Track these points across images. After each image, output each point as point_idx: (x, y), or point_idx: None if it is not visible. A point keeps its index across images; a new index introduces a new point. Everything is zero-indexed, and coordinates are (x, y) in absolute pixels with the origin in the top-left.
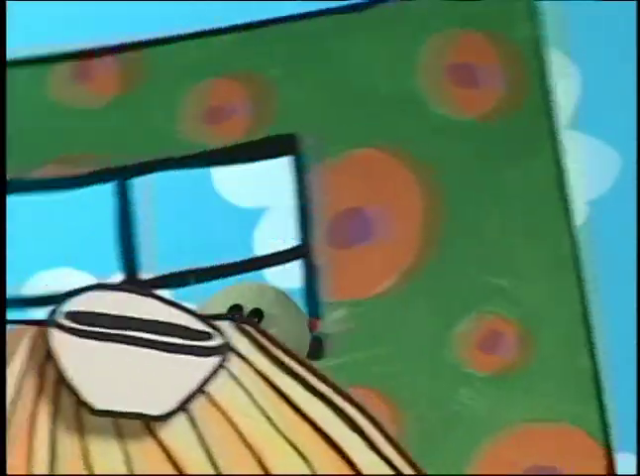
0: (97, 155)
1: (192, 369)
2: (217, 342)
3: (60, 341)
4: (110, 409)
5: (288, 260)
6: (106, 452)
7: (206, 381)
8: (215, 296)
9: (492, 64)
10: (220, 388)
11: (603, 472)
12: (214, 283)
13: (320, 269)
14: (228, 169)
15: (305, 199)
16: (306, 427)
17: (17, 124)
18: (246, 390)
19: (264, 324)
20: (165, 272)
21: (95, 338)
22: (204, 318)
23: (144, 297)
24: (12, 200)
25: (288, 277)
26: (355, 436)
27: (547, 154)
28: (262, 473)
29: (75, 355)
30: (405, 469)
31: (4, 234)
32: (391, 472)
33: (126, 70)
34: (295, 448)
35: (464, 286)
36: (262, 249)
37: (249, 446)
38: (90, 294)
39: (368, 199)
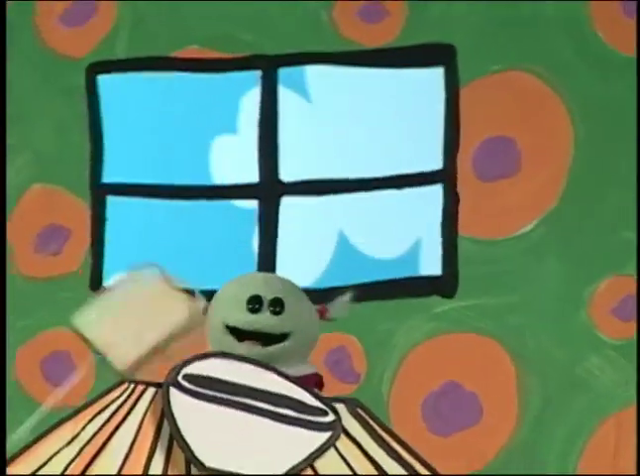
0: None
1: (303, 442)
2: (329, 419)
3: (179, 401)
4: (220, 468)
5: (429, 183)
6: None
7: (315, 455)
8: (230, 285)
9: None
10: (327, 464)
11: None
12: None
13: (460, 199)
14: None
15: (455, 116)
16: None
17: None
18: (352, 469)
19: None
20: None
21: (212, 401)
22: (320, 397)
23: (264, 370)
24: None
25: (427, 201)
26: None
27: None
28: None
29: (191, 415)
30: None
31: (4, 234)
32: None
33: None
34: None
35: (605, 241)
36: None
37: None
38: (213, 360)
39: (519, 129)
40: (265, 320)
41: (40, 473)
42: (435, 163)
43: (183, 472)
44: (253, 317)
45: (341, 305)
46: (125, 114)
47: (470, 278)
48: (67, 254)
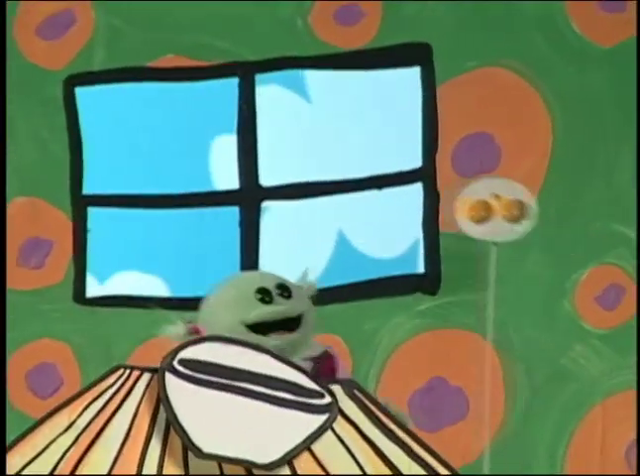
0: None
1: (299, 424)
2: (325, 401)
3: (175, 386)
4: (217, 453)
5: (409, 182)
6: None
7: (312, 437)
8: (223, 292)
9: None
10: (324, 446)
11: None
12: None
13: (440, 197)
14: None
15: (433, 115)
16: None
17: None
18: (349, 451)
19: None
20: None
21: (208, 386)
22: (316, 379)
23: (258, 353)
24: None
25: (408, 199)
26: None
27: None
28: None
29: (188, 400)
30: None
31: (4, 234)
32: None
33: None
34: None
35: (588, 231)
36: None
37: None
38: (207, 344)
39: (497, 125)
40: (282, 306)
41: (37, 461)
42: (414, 162)
43: (181, 458)
44: (270, 308)
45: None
46: (103, 125)
47: (452, 274)
48: (50, 266)
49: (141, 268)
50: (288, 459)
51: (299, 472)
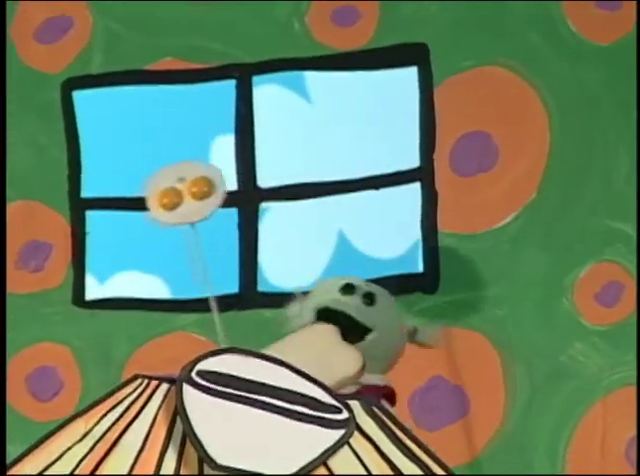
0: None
1: (316, 439)
2: (343, 417)
3: (192, 397)
4: (232, 466)
5: (407, 181)
6: None
7: (329, 452)
8: (325, 281)
9: None
10: (340, 461)
11: None
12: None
13: (438, 196)
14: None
15: (430, 115)
16: None
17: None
18: (365, 467)
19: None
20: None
21: (226, 398)
22: (334, 394)
23: (278, 366)
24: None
25: (406, 199)
26: None
27: None
28: None
29: (204, 412)
30: None
31: (4, 234)
32: None
33: None
34: None
35: (586, 228)
36: (380, 164)
37: None
38: (225, 356)
39: (495, 123)
40: (353, 303)
41: (52, 469)
42: (412, 162)
43: (196, 470)
44: (343, 298)
45: (431, 333)
46: (101, 129)
47: (451, 273)
48: (49, 269)
49: (141, 268)
50: (304, 473)
51: None
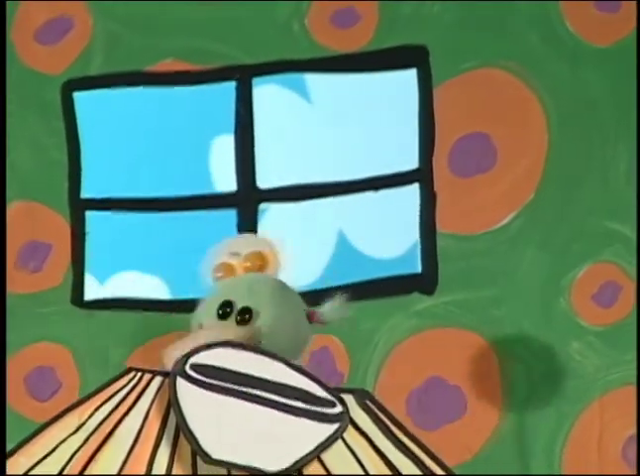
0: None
1: (310, 433)
2: (337, 411)
3: (186, 391)
4: (226, 459)
5: (406, 183)
6: None
7: (323, 446)
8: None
9: None
10: (334, 455)
11: None
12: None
13: (437, 197)
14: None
15: (429, 116)
16: None
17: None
18: (359, 461)
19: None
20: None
21: (220, 392)
22: (328, 388)
23: (272, 360)
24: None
25: (405, 200)
26: None
27: None
28: None
29: (198, 405)
30: None
31: (4, 235)
32: None
33: None
34: None
35: (585, 229)
36: (379, 166)
37: None
38: (219, 349)
39: (493, 125)
40: (228, 326)
41: (46, 461)
42: (411, 163)
43: (189, 463)
44: (219, 323)
45: (332, 308)
46: (101, 130)
47: (450, 273)
48: (48, 269)
49: (140, 269)
50: (298, 468)
51: None
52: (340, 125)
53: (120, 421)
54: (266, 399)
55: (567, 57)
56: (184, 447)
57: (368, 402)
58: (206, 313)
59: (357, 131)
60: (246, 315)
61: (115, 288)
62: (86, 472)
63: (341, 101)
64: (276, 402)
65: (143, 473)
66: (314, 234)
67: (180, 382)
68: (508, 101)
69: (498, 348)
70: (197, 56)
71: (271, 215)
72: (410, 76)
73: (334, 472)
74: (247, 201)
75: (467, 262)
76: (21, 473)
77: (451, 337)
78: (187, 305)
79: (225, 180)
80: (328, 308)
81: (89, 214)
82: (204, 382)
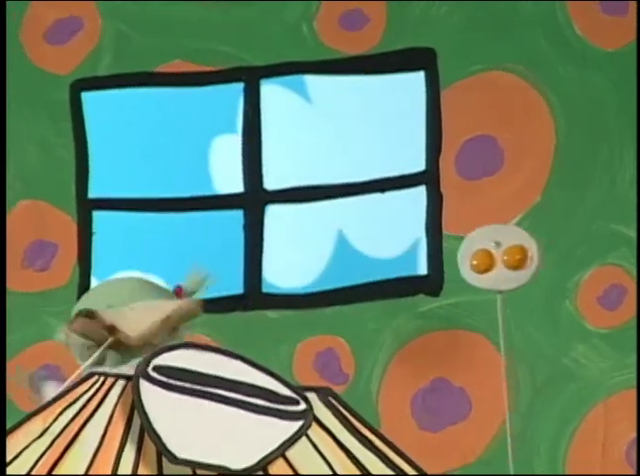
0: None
1: (274, 431)
2: (301, 408)
3: (149, 392)
4: (191, 458)
5: (413, 185)
6: None
7: (287, 444)
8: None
9: None
10: (299, 452)
11: None
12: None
13: (443, 199)
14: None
15: (437, 119)
16: None
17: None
18: (324, 458)
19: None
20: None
21: (182, 392)
22: (291, 386)
23: (232, 360)
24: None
25: (412, 202)
26: None
27: None
28: None
29: (162, 406)
30: None
31: (4, 235)
32: None
33: None
34: None
35: (590, 232)
36: (386, 168)
37: None
38: (181, 351)
39: (500, 127)
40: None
41: (11, 466)
42: (418, 165)
43: (155, 463)
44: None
45: (194, 280)
46: (109, 130)
47: (455, 275)
48: (55, 268)
49: (147, 270)
50: (263, 465)
51: None
52: (347, 127)
53: (84, 425)
54: (229, 398)
55: (574, 60)
56: (149, 448)
57: (331, 399)
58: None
59: (364, 133)
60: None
61: None
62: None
63: (348, 104)
64: (240, 400)
65: (109, 474)
66: (320, 235)
67: (143, 384)
68: (516, 104)
69: (504, 350)
70: (205, 57)
71: (278, 217)
72: (418, 79)
73: (299, 469)
74: (253, 202)
75: None
76: None
77: (456, 339)
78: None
79: (232, 182)
80: (189, 282)
81: (96, 214)
82: (167, 383)
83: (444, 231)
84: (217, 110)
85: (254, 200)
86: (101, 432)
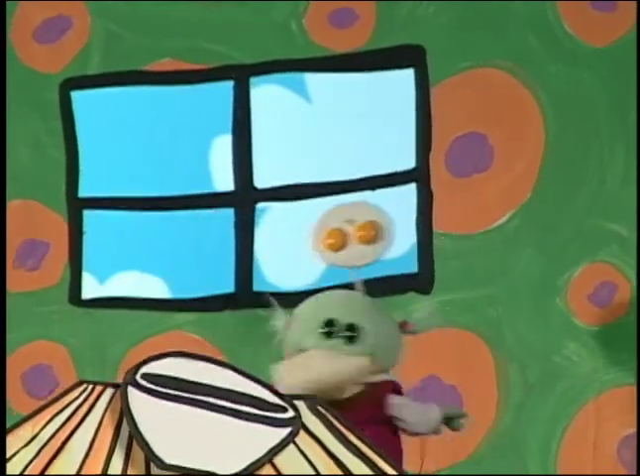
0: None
1: (262, 438)
2: (289, 415)
3: (137, 399)
4: (179, 464)
5: (403, 182)
6: None
7: (274, 450)
8: (307, 304)
9: None
10: (287, 460)
11: None
12: (328, 199)
13: (434, 196)
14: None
15: (426, 116)
16: None
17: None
18: (312, 465)
19: (360, 339)
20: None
21: (171, 400)
22: (279, 393)
23: (222, 369)
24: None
25: (402, 200)
26: None
27: None
28: None
29: (150, 413)
30: None
31: (4, 234)
32: None
33: None
34: None
35: (581, 229)
36: (376, 165)
37: None
38: (170, 359)
39: (490, 125)
40: (334, 346)
41: None
42: (408, 162)
43: (143, 470)
44: (323, 343)
45: (424, 318)
46: (99, 129)
47: (446, 273)
48: (46, 268)
49: (137, 268)
50: (251, 471)
51: None
52: (337, 125)
53: (73, 432)
54: (217, 405)
55: (564, 56)
56: (138, 455)
57: (319, 407)
58: (306, 333)
59: (354, 131)
60: (353, 333)
61: (112, 287)
62: None
63: (338, 101)
64: (228, 408)
65: None
66: (311, 234)
67: (132, 391)
68: (505, 101)
69: (494, 348)
70: (195, 55)
71: (269, 215)
72: (408, 76)
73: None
74: (244, 201)
75: (463, 261)
76: None
77: (447, 337)
78: (185, 304)
79: (222, 180)
80: (420, 318)
81: (87, 213)
82: (155, 390)
83: (434, 229)
84: (207, 108)
85: (244, 198)
86: (89, 440)
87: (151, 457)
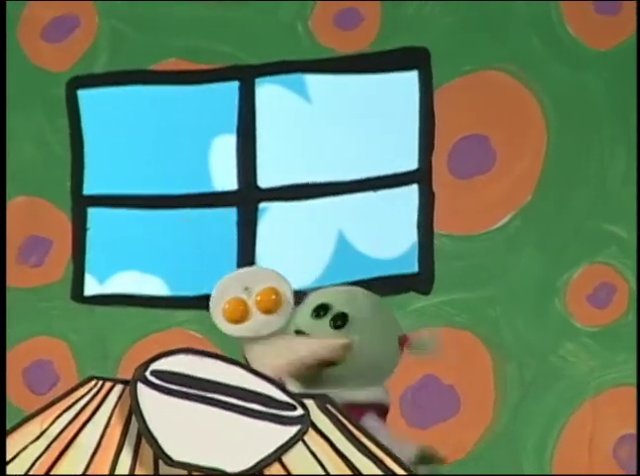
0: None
1: (271, 435)
2: (298, 414)
3: (146, 396)
4: (188, 461)
5: (405, 183)
6: None
7: (283, 448)
8: (315, 292)
9: None
10: (296, 458)
11: None
12: (331, 199)
13: (436, 197)
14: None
15: (430, 118)
16: None
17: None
18: (321, 464)
19: (348, 329)
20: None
21: (180, 397)
22: (288, 391)
23: (230, 366)
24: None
25: (404, 200)
26: None
27: None
28: None
29: (159, 410)
30: None
31: (4, 234)
32: None
33: None
34: None
35: (581, 231)
36: (379, 166)
37: None
38: (180, 356)
39: (493, 127)
40: (321, 328)
41: (8, 468)
42: (411, 164)
43: (151, 467)
44: (313, 322)
45: (425, 340)
46: (105, 127)
47: (446, 273)
48: (49, 265)
49: (140, 267)
50: (259, 469)
51: None
52: (341, 126)
53: (81, 429)
54: (226, 403)
55: (567, 59)
56: (146, 452)
57: (329, 405)
58: (300, 315)
59: (357, 132)
60: (339, 321)
61: (115, 284)
62: None
63: (342, 102)
64: (237, 405)
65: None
66: (313, 233)
67: (141, 387)
68: (508, 104)
69: (493, 348)
70: (201, 55)
71: (271, 214)
72: (412, 78)
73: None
74: (247, 200)
75: (463, 262)
76: None
77: (446, 337)
78: (187, 302)
79: (226, 179)
80: (421, 338)
81: (91, 211)
82: (165, 387)
83: (435, 230)
84: (213, 108)
85: (247, 198)
86: (98, 436)
87: (159, 454)
